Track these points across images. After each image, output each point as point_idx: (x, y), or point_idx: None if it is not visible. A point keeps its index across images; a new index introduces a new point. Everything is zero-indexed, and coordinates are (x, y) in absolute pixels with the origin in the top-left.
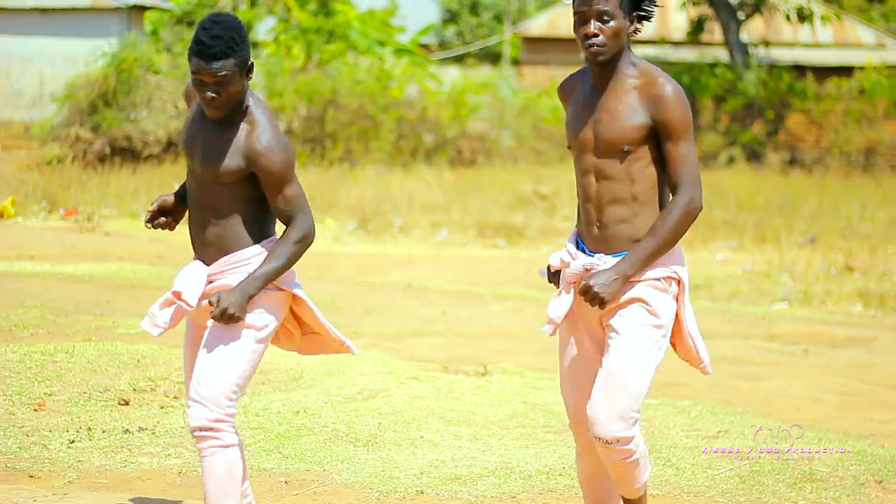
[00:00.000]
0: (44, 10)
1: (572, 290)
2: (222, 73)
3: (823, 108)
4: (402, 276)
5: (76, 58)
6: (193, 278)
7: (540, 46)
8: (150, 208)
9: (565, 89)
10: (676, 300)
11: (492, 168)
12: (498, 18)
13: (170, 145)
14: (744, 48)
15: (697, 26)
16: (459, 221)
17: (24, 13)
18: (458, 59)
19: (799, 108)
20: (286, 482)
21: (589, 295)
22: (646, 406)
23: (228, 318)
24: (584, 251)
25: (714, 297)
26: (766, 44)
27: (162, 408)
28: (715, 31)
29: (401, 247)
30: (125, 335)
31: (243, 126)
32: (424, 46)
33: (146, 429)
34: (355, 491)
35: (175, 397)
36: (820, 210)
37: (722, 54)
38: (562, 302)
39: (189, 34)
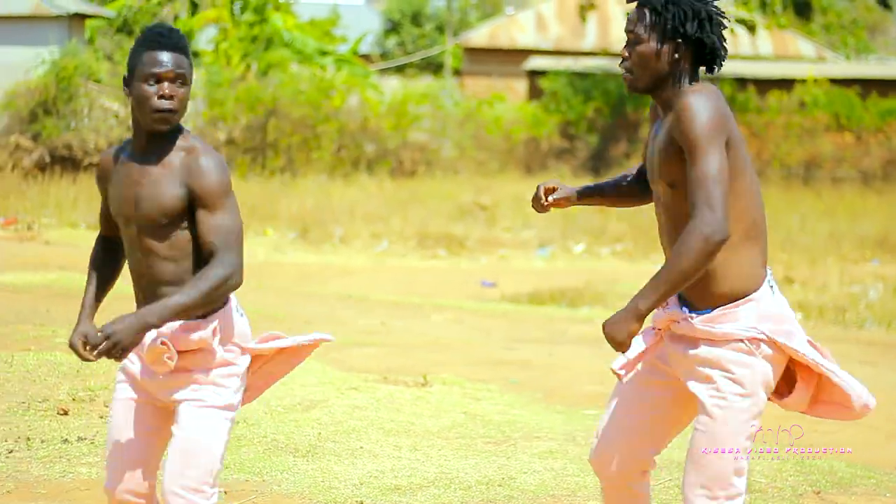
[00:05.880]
0: None
1: (649, 336)
2: (182, 68)
3: (764, 120)
4: (341, 286)
5: (16, 66)
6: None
7: (481, 57)
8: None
9: (651, 111)
10: (772, 362)
11: (433, 178)
12: (440, 29)
13: None
14: None
15: None
16: (400, 232)
17: None
18: (400, 70)
19: (740, 120)
20: (225, 492)
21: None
22: (584, 416)
23: (117, 352)
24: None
25: None
26: None
27: (101, 417)
28: None
29: (341, 257)
30: (64, 345)
31: (179, 153)
32: (366, 57)
33: (85, 439)
34: (294, 501)
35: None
36: None
37: None
38: (635, 343)
39: (129, 42)
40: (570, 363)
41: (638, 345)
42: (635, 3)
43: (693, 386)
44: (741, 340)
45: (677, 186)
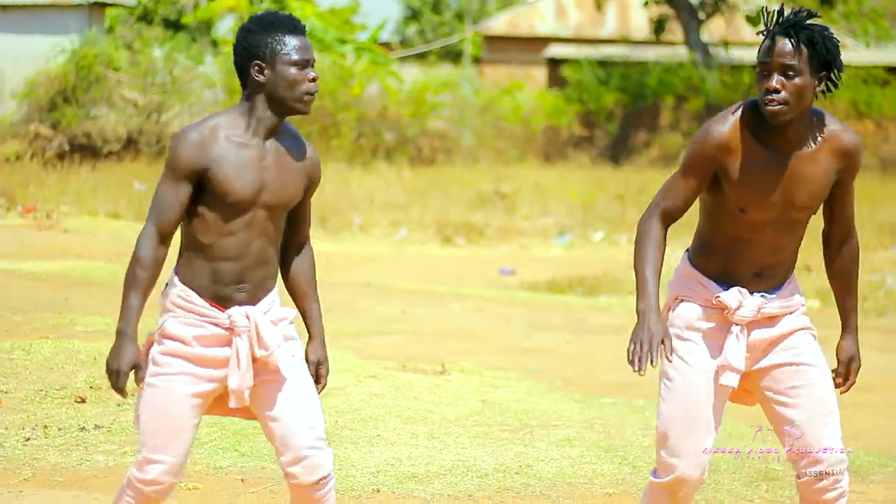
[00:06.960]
0: (4, 7)
1: (745, 332)
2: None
3: None
4: (361, 274)
5: (37, 54)
6: (270, 333)
7: (501, 45)
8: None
9: (729, 142)
10: None
11: (452, 167)
12: (459, 17)
13: (129, 143)
14: (705, 48)
15: (658, 26)
16: (419, 220)
17: None
18: (420, 58)
19: None
20: (242, 480)
21: (855, 376)
22: (603, 405)
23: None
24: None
25: None
26: (727, 44)
27: (118, 406)
28: (676, 32)
29: (360, 245)
30: (82, 333)
31: (299, 143)
32: (385, 45)
33: (102, 427)
34: None
35: (132, 395)
36: None
37: (683, 54)
38: (741, 347)
39: (149, 31)
40: (589, 351)
41: (742, 350)
42: (780, 35)
43: (787, 356)
44: (803, 304)
45: (815, 210)
